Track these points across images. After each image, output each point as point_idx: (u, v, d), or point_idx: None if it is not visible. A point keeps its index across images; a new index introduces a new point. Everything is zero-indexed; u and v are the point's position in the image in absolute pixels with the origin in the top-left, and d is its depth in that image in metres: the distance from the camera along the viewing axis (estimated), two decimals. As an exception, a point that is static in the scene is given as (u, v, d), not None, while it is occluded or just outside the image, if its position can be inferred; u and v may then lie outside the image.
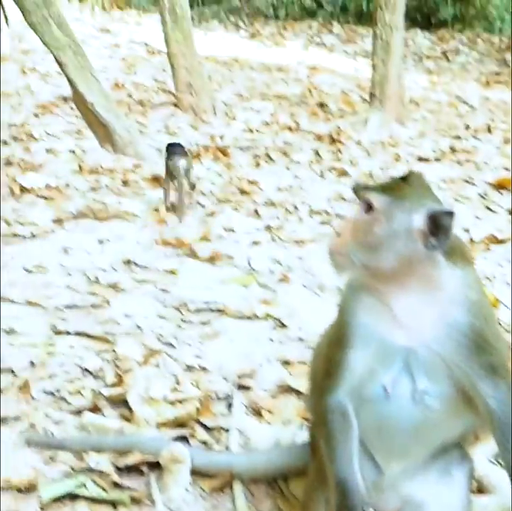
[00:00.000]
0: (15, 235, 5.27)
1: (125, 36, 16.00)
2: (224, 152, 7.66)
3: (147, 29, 16.91)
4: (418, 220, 1.97)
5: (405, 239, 1.98)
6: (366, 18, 18.50)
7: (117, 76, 12.14)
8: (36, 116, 9.30)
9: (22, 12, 6.57)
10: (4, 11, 13.81)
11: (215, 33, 17.22)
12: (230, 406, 3.35)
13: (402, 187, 2.05)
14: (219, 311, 4.25)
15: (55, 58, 6.73)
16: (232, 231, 5.53)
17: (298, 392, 3.42)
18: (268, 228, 5.62)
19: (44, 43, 6.64)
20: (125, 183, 6.59)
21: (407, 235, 1.98)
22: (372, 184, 2.13)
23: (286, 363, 3.74)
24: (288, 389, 3.49)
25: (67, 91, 9.70)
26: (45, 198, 6.11)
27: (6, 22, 14.01)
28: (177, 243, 5.21)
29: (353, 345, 2.12)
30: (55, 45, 6.59)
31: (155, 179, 6.65)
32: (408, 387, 2.09)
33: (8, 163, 7.03)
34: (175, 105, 9.54)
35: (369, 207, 2.04)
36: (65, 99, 9.93)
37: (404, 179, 2.08)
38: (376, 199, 2.02)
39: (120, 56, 14.07)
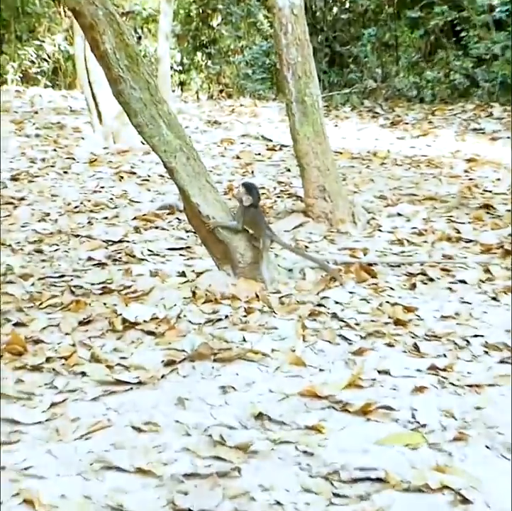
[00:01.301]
0: (119, 382, 5.29)
1: (239, 129, 16.48)
2: (369, 271, 7.62)
3: (264, 120, 17.39)
4: None
5: None
6: (533, 95, 18.52)
7: (231, 177, 12.46)
8: (137, 230, 9.55)
9: (127, 113, 6.72)
10: (98, 108, 14.56)
11: (348, 121, 17.53)
12: None
13: None
14: (380, 480, 4.10)
15: (164, 163, 6.87)
16: (388, 373, 5.42)
17: None
18: (433, 368, 5.47)
19: (151, 146, 6.79)
20: (249, 313, 6.60)
21: None
22: None
23: (473, 551, 3.57)
24: None
25: (173, 199, 10.02)
26: (153, 333, 6.17)
27: (100, 121, 14.74)
28: (320, 391, 5.12)
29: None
30: (164, 149, 6.73)
31: (286, 307, 6.66)
32: None
33: (107, 291, 7.17)
34: (304, 213, 9.63)
35: None
36: (171, 209, 10.22)
37: None
38: None
39: (234, 153, 14.46)
